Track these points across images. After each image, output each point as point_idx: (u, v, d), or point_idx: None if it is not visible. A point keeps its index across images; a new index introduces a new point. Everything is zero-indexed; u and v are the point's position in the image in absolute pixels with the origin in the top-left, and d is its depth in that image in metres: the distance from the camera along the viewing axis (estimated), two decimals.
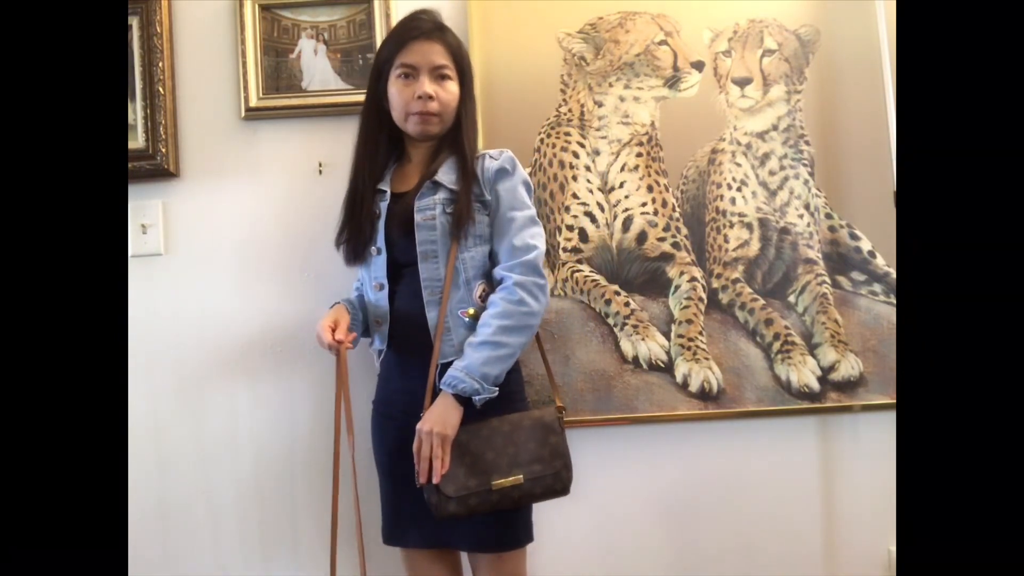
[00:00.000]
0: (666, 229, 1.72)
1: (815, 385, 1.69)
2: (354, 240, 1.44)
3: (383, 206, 1.42)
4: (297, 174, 1.74)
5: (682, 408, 1.68)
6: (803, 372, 1.69)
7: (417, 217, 1.37)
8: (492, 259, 1.40)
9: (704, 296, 1.71)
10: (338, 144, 1.73)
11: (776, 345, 1.70)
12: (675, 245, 1.71)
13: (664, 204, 1.72)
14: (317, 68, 1.73)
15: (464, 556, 1.45)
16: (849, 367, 1.69)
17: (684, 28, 1.73)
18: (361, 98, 1.70)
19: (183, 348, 1.71)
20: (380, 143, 1.45)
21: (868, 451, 1.70)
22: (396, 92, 1.40)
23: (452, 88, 1.40)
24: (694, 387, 1.69)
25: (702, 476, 1.71)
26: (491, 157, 1.41)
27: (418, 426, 1.29)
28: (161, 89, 1.70)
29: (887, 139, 1.70)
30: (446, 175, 1.39)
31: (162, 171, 1.70)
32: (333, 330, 1.38)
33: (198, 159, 1.74)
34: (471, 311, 1.36)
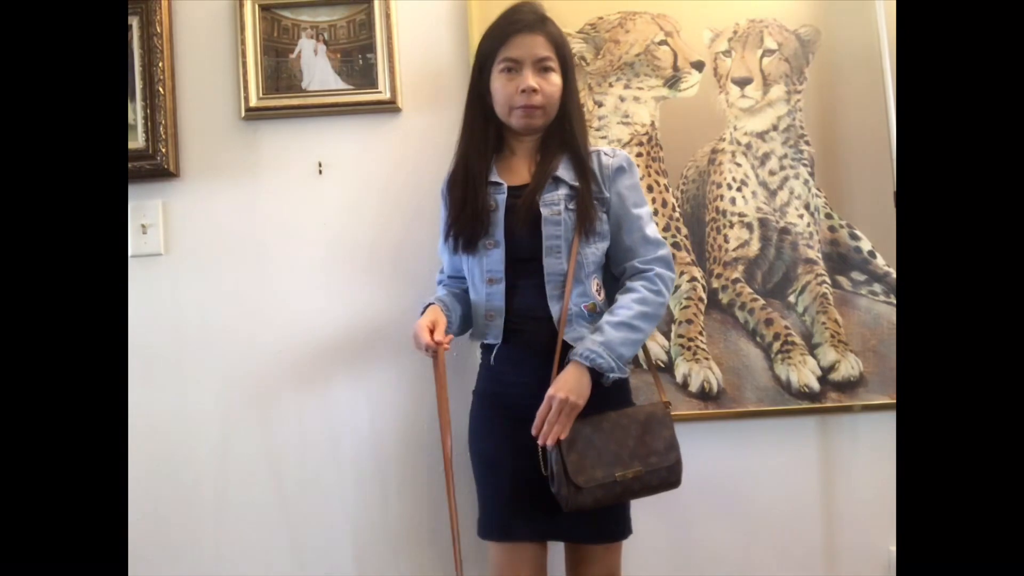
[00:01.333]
0: (666, 229, 1.72)
1: (815, 385, 1.69)
2: (468, 231, 1.40)
3: (500, 199, 1.40)
4: (297, 174, 1.74)
5: (682, 408, 1.68)
6: (803, 372, 1.69)
7: (544, 212, 1.37)
8: (608, 255, 1.42)
9: (704, 296, 1.71)
10: (338, 144, 1.74)
11: (776, 345, 1.70)
12: (675, 245, 1.71)
13: (664, 204, 1.72)
14: (317, 68, 1.73)
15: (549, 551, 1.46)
16: (849, 367, 1.69)
17: (684, 28, 1.73)
18: (361, 98, 1.72)
19: (183, 348, 1.71)
20: (488, 135, 1.44)
21: (868, 451, 1.70)
22: (499, 87, 1.40)
23: (555, 80, 1.40)
24: (694, 387, 1.69)
25: (702, 476, 1.71)
26: (606, 155, 1.43)
27: (550, 391, 1.29)
28: (161, 89, 1.70)
29: (887, 139, 1.70)
30: (565, 171, 1.40)
31: (162, 171, 1.70)
32: (431, 331, 1.36)
33: (198, 159, 1.74)
34: (592, 304, 1.38)
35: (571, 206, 1.37)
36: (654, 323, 1.38)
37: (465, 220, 1.40)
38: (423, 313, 1.43)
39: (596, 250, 1.40)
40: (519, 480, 1.35)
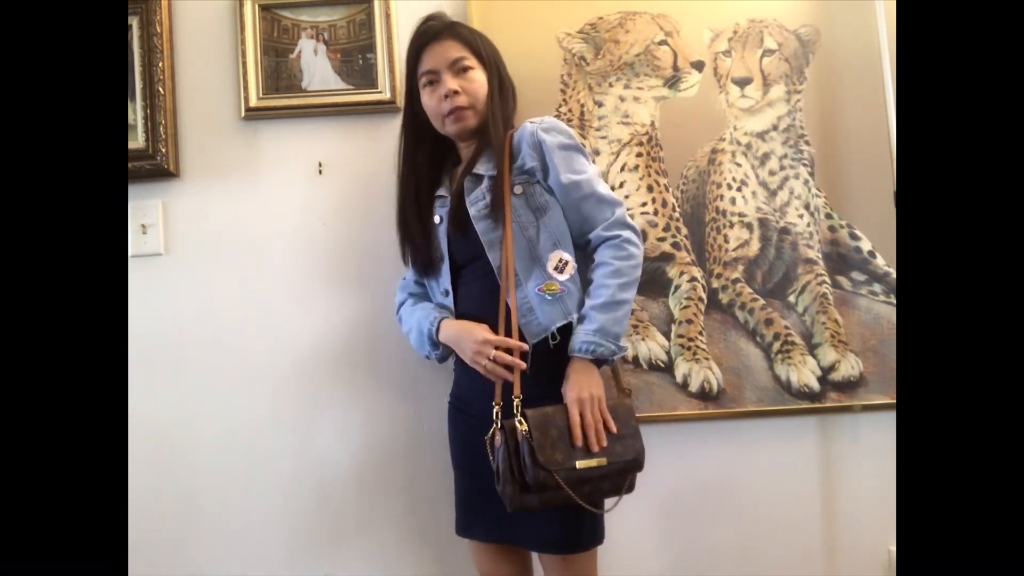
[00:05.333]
0: (666, 229, 1.72)
1: (815, 385, 1.69)
2: (422, 256, 1.45)
3: (444, 212, 1.43)
4: (297, 174, 1.74)
5: (682, 408, 1.68)
6: (803, 372, 1.69)
7: (472, 211, 1.37)
8: (567, 227, 1.37)
9: (704, 296, 1.71)
10: (338, 144, 1.74)
11: (776, 345, 1.70)
12: (675, 245, 1.71)
13: (664, 204, 1.72)
14: (317, 68, 1.73)
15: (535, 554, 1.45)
16: (849, 367, 1.69)
17: (684, 28, 1.73)
18: (361, 98, 1.72)
19: (183, 348, 1.71)
20: (420, 161, 1.46)
21: (868, 451, 1.70)
22: (427, 102, 1.42)
23: (477, 76, 1.40)
24: (694, 387, 1.69)
25: (702, 476, 1.71)
26: (531, 123, 1.40)
27: (570, 396, 1.27)
28: (161, 89, 1.70)
29: (887, 139, 1.70)
30: (483, 164, 1.39)
31: (162, 171, 1.70)
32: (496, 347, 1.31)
33: (198, 159, 1.74)
34: (549, 285, 1.33)
35: (495, 195, 1.36)
36: (635, 288, 1.34)
37: (411, 247, 1.46)
38: (436, 328, 1.40)
39: (549, 221, 1.35)
40: (476, 481, 1.37)
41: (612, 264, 1.32)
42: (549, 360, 1.32)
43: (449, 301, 1.43)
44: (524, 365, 1.28)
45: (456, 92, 1.37)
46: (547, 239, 1.35)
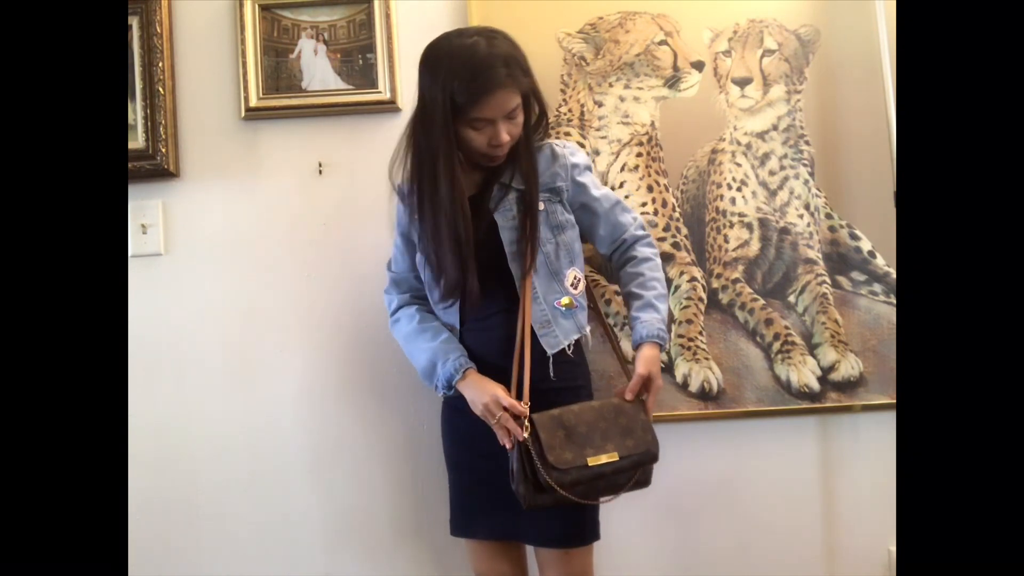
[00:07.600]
0: (666, 229, 1.72)
1: (815, 385, 1.69)
2: (453, 276, 1.35)
3: None
4: (297, 174, 1.74)
5: (682, 408, 1.68)
6: (803, 372, 1.69)
7: (500, 220, 1.37)
8: (594, 237, 1.48)
9: (704, 296, 1.71)
10: (338, 144, 1.74)
11: (776, 345, 1.70)
12: (675, 245, 1.71)
13: (664, 204, 1.72)
14: (317, 68, 1.73)
15: (530, 551, 1.45)
16: (849, 367, 1.69)
17: (684, 28, 1.73)
18: (360, 98, 1.71)
19: (183, 348, 1.71)
20: (454, 180, 1.34)
21: (868, 451, 1.70)
22: (469, 139, 1.32)
23: (521, 118, 1.35)
24: (694, 387, 1.69)
25: (702, 476, 1.71)
26: (557, 146, 1.44)
27: (641, 370, 1.34)
28: (161, 89, 1.70)
29: (887, 139, 1.70)
30: (510, 176, 1.39)
31: (162, 171, 1.70)
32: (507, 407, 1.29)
33: (198, 159, 1.74)
34: (566, 300, 1.38)
35: (521, 208, 1.37)
36: None
37: (451, 285, 1.35)
38: (462, 375, 1.35)
39: (566, 239, 1.40)
40: (477, 479, 1.38)
41: (654, 259, 1.45)
42: (564, 365, 1.37)
43: (455, 306, 1.40)
44: (523, 436, 1.26)
45: (508, 140, 1.32)
46: (564, 255, 1.39)
